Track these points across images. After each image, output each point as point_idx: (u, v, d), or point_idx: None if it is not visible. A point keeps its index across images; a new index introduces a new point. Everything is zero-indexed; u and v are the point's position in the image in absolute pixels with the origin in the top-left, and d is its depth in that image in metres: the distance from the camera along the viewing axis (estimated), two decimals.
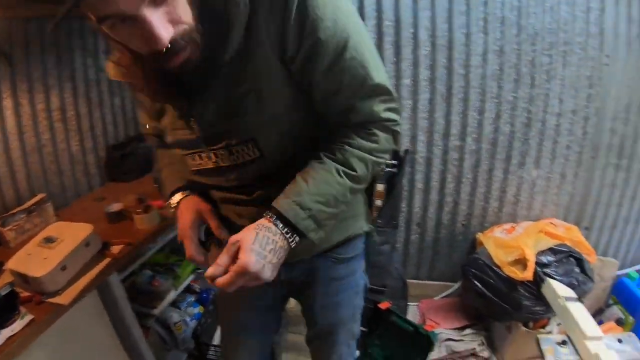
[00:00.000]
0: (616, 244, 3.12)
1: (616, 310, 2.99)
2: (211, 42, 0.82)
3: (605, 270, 3.00)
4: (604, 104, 2.75)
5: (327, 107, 0.97)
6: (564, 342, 1.25)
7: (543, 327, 2.61)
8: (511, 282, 2.51)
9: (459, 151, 2.62)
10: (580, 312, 1.24)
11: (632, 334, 1.35)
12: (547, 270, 2.52)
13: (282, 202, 0.92)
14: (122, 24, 0.72)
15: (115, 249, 2.04)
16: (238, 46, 0.84)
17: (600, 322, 2.97)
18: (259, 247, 0.86)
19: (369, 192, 2.47)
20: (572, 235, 2.70)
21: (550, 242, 2.60)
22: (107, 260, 1.96)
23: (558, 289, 1.26)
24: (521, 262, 2.52)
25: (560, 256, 2.57)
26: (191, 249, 1.11)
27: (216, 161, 1.03)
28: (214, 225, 1.13)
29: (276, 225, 0.90)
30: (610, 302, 3.05)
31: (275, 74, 0.89)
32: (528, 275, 2.45)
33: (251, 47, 0.85)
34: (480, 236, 2.67)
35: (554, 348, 1.20)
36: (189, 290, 2.84)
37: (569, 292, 1.21)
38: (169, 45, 0.74)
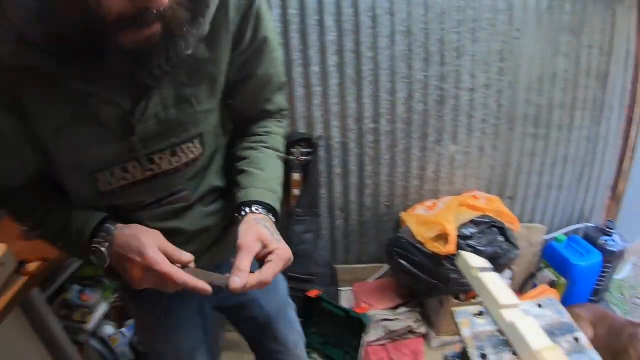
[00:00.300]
0: (542, 210, 3.19)
1: (548, 273, 3.08)
2: (186, 20, 0.72)
3: (533, 236, 3.07)
4: (516, 77, 2.80)
5: (253, 100, 1.05)
6: (480, 313, 1.25)
7: (474, 297, 2.66)
8: (436, 258, 2.55)
9: (374, 133, 2.62)
10: (494, 281, 1.24)
11: (553, 298, 1.37)
12: (471, 242, 2.57)
13: (257, 192, 0.95)
14: None
15: (32, 266, 2.00)
16: (208, 27, 0.78)
17: (534, 286, 3.07)
18: (277, 235, 0.91)
19: (286, 182, 2.51)
20: (494, 206, 2.75)
21: (472, 214, 2.64)
22: (23, 279, 1.91)
23: (471, 260, 1.27)
24: (443, 237, 2.55)
25: (482, 227, 2.61)
26: (189, 278, 0.80)
27: (151, 168, 0.89)
28: (171, 248, 0.86)
29: (263, 213, 0.93)
30: (542, 265, 3.13)
31: (225, 64, 0.91)
32: (451, 248, 2.49)
33: (218, 31, 0.83)
34: (403, 215, 2.68)
35: (470, 320, 1.21)
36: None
37: (482, 262, 1.22)
38: (154, 11, 0.61)
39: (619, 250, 3.12)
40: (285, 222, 2.56)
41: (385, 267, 3.00)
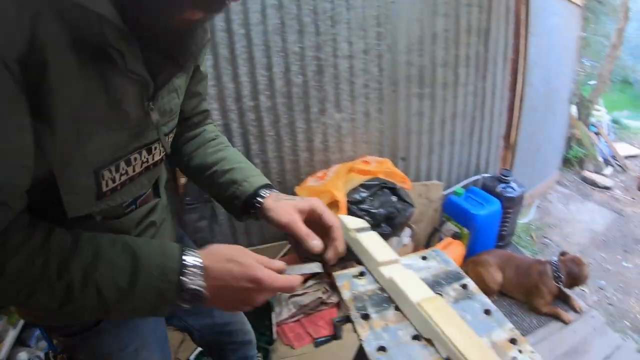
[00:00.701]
0: (437, 167, 3.25)
1: (451, 226, 3.15)
2: None
3: (432, 192, 3.13)
4: (395, 40, 2.82)
5: (197, 96, 1.09)
6: (361, 274, 1.22)
7: None
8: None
9: (255, 111, 2.57)
10: (372, 240, 1.21)
11: (438, 249, 1.35)
12: (363, 206, 2.58)
13: (257, 179, 0.99)
14: None
15: None
16: None
17: (440, 239, 3.12)
18: (298, 198, 0.97)
19: (172, 170, 2.43)
20: (384, 168, 2.77)
21: (361, 179, 2.65)
22: None
23: (348, 222, 1.24)
24: (335, 205, 2.54)
25: (373, 190, 2.62)
26: (297, 280, 0.82)
27: (147, 159, 0.86)
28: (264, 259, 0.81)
29: (275, 192, 0.98)
30: (444, 219, 3.19)
31: None
32: (343, 214, 2.49)
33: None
34: (297, 189, 2.66)
35: (350, 282, 1.17)
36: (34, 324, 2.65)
37: (360, 223, 1.21)
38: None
39: (518, 196, 3.22)
40: (177, 213, 2.48)
41: (287, 244, 2.97)
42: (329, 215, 0.91)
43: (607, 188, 5.10)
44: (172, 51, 0.71)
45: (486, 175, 3.44)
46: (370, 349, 0.99)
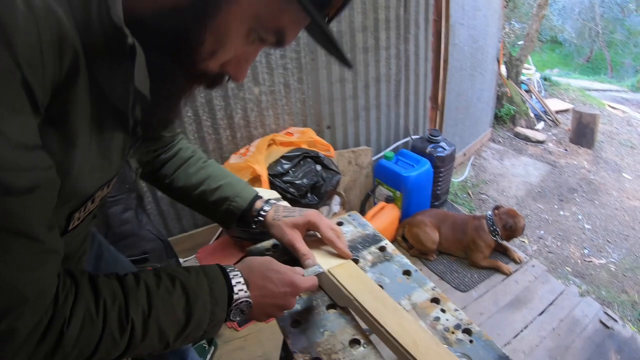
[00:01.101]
0: (365, 132, 3.21)
1: (383, 190, 3.12)
2: None
3: (362, 158, 3.09)
4: None
5: None
6: (275, 247, 1.15)
7: None
8: None
9: None
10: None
11: (355, 213, 1.27)
12: (287, 178, 2.50)
13: (249, 191, 1.05)
14: (260, 44, 0.62)
15: None
16: None
17: (374, 204, 3.10)
18: (294, 208, 1.06)
19: None
20: (306, 138, 2.70)
21: (283, 151, 2.57)
22: None
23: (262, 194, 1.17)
24: (257, 180, 2.46)
25: (296, 160, 2.55)
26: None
27: (105, 195, 0.81)
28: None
29: (271, 205, 1.05)
30: (376, 184, 3.17)
31: None
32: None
33: None
34: None
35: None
36: None
37: (270, 194, 1.16)
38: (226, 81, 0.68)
39: (448, 155, 3.22)
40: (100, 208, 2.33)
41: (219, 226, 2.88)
42: (325, 231, 1.01)
43: (540, 142, 5.22)
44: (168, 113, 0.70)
45: (415, 137, 3.42)
46: (283, 324, 0.95)
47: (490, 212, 2.93)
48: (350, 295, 0.93)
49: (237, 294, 0.73)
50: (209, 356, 2.16)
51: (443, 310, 1.01)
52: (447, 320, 0.99)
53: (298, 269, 0.88)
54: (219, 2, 0.53)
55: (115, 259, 1.20)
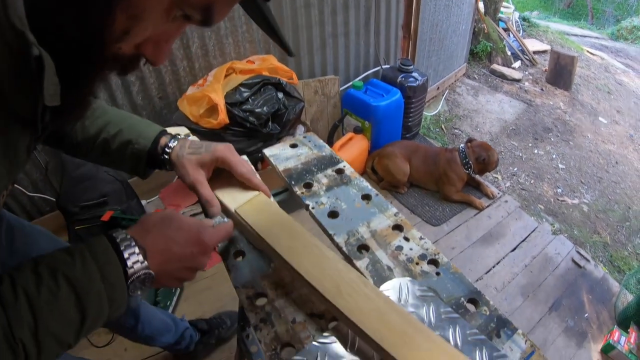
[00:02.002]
0: (332, 61, 3.01)
1: (352, 120, 2.97)
2: None
3: (329, 87, 2.91)
4: None
5: None
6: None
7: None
8: (214, 133, 2.29)
9: None
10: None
11: (311, 135, 1.10)
12: (246, 106, 2.31)
13: (155, 127, 0.92)
14: (184, 22, 0.52)
15: None
16: None
17: (343, 134, 2.96)
18: (203, 144, 0.89)
19: None
20: (267, 65, 2.50)
21: (242, 79, 2.37)
22: None
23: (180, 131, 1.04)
24: (215, 110, 2.27)
25: (255, 88, 2.35)
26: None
27: None
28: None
29: (177, 142, 0.90)
30: (344, 114, 3.00)
31: None
32: (223, 118, 2.23)
33: None
34: (178, 102, 2.38)
35: None
36: None
37: (181, 130, 1.06)
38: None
39: (420, 85, 3.06)
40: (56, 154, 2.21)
41: None
42: (236, 167, 0.86)
43: (516, 80, 5.10)
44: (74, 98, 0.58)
45: (386, 66, 3.24)
46: (226, 256, 0.85)
47: (462, 145, 2.82)
48: (259, 235, 0.78)
49: (131, 267, 0.60)
50: (175, 298, 2.06)
51: (406, 239, 0.89)
52: (411, 249, 0.87)
53: (208, 220, 0.78)
54: None
55: (29, 240, 1.07)
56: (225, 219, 0.83)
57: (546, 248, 2.64)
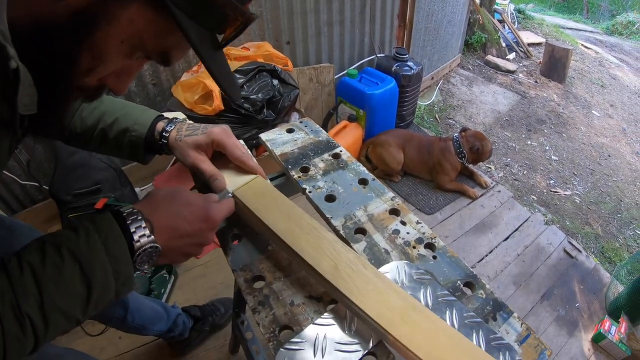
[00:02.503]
0: (327, 49, 2.98)
1: (346, 109, 2.96)
2: None
3: (324, 75, 2.89)
4: None
5: None
6: None
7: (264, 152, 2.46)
8: (208, 119, 2.27)
9: None
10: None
11: (307, 120, 1.09)
12: (242, 93, 2.30)
13: (151, 113, 0.92)
14: (145, 60, 0.59)
15: None
16: None
17: (337, 122, 2.96)
18: (199, 126, 0.90)
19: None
20: (262, 52, 2.47)
21: (236, 65, 2.35)
22: None
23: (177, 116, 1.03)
24: (210, 96, 2.26)
25: (251, 74, 2.33)
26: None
27: None
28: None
29: (173, 126, 0.90)
30: (338, 102, 2.99)
31: None
32: (218, 105, 2.21)
33: None
34: (173, 88, 2.35)
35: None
36: None
37: (177, 114, 1.06)
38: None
39: (415, 74, 3.05)
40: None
41: None
42: (231, 149, 0.86)
43: (510, 72, 5.10)
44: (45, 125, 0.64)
45: (381, 55, 3.23)
46: (222, 238, 0.85)
47: (457, 134, 2.82)
48: (258, 217, 0.77)
49: (137, 241, 0.60)
50: (169, 285, 2.05)
51: (403, 223, 0.89)
52: (408, 233, 0.87)
53: (212, 195, 0.77)
54: (95, 22, 0.49)
55: (10, 234, 1.05)
56: (230, 194, 0.81)
57: (538, 238, 2.65)
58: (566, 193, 3.33)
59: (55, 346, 1.00)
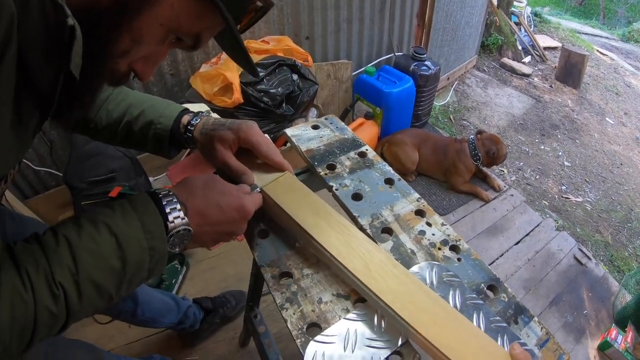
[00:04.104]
0: (346, 46, 2.98)
1: (363, 106, 2.97)
2: None
3: (342, 72, 2.89)
4: None
5: None
6: None
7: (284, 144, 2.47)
8: (227, 112, 2.27)
9: None
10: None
11: (332, 117, 1.09)
12: (261, 87, 2.30)
13: (176, 106, 0.92)
14: (174, 45, 0.61)
15: None
16: None
17: (353, 120, 3.00)
18: (225, 121, 0.88)
19: None
20: (282, 46, 2.48)
21: (257, 58, 2.36)
22: None
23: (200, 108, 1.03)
24: (229, 89, 2.26)
25: (271, 68, 2.34)
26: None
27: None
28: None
29: (199, 120, 0.90)
30: (355, 99, 3.00)
31: None
32: (237, 97, 2.22)
33: None
34: (191, 79, 2.36)
35: None
36: None
37: (201, 107, 1.07)
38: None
39: (432, 74, 3.05)
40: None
41: None
42: (258, 145, 0.84)
43: (525, 75, 5.07)
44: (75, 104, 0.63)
45: (399, 53, 3.22)
46: (249, 234, 0.84)
47: (472, 136, 2.81)
48: (286, 213, 0.77)
49: (172, 222, 0.61)
50: (180, 276, 2.06)
51: (429, 224, 0.89)
52: (434, 235, 0.87)
53: (244, 186, 0.77)
54: (139, 4, 0.50)
55: (20, 224, 1.06)
56: (258, 189, 0.81)
57: (549, 244, 2.65)
58: (577, 200, 3.32)
59: (63, 337, 1.01)
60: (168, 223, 0.61)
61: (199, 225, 0.65)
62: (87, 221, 0.56)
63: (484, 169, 2.93)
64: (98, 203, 2.04)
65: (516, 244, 2.59)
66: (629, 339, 2.16)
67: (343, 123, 1.21)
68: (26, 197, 2.27)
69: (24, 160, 2.16)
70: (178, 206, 0.62)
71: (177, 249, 0.64)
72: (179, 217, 0.62)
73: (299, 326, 0.68)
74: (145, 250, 0.58)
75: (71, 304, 0.52)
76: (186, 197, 0.65)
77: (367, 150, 1.09)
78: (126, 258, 0.56)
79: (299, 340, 0.66)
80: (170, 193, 0.64)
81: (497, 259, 2.46)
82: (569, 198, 3.30)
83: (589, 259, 2.62)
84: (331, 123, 1.20)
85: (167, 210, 0.62)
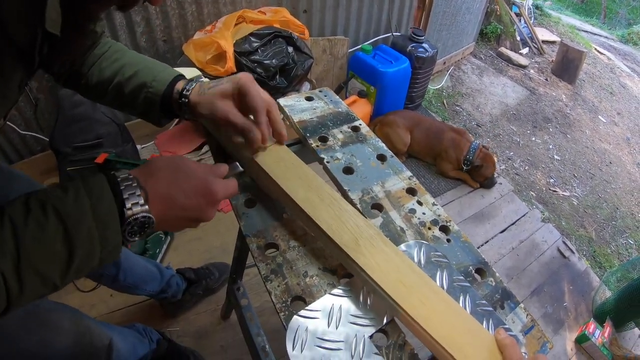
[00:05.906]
0: (344, 22, 2.93)
1: (357, 84, 2.93)
2: None
3: (337, 48, 2.85)
4: None
5: None
6: None
7: None
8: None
9: None
10: None
11: (327, 89, 1.05)
12: (255, 57, 2.25)
13: (172, 71, 0.87)
14: None
15: None
16: None
17: (346, 97, 2.96)
18: (221, 80, 0.82)
19: None
20: (279, 17, 2.42)
21: (252, 28, 2.30)
22: None
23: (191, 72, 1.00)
24: (223, 57, 2.21)
25: (266, 39, 2.29)
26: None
27: None
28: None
29: (193, 86, 0.83)
30: (350, 76, 2.96)
31: None
32: (230, 67, 2.17)
33: None
34: (184, 47, 2.30)
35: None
36: None
37: (194, 72, 1.01)
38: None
39: (429, 57, 3.01)
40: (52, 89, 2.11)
41: None
42: (253, 96, 0.76)
43: (522, 66, 5.05)
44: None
45: (397, 34, 3.17)
46: (236, 203, 0.82)
47: (476, 143, 2.78)
48: (277, 183, 0.74)
49: (129, 209, 0.56)
50: (164, 246, 2.03)
51: (420, 203, 0.88)
52: (424, 214, 0.86)
53: (221, 166, 0.70)
54: None
55: (6, 184, 1.00)
56: (240, 168, 0.77)
57: (534, 234, 2.66)
58: (565, 194, 3.34)
59: (46, 300, 0.97)
60: (125, 210, 0.56)
61: (161, 211, 0.59)
62: (36, 203, 0.51)
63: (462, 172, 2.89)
64: (62, 179, 2.00)
65: (501, 232, 2.60)
66: (606, 334, 2.18)
67: (337, 96, 1.18)
68: (11, 162, 2.21)
69: (10, 123, 2.09)
70: (138, 191, 0.57)
71: (136, 237, 0.58)
72: (137, 203, 0.56)
73: (283, 299, 0.67)
74: (96, 240, 0.53)
75: (11, 293, 0.48)
76: (147, 180, 0.59)
77: (360, 125, 1.07)
78: (74, 248, 0.51)
79: (282, 314, 0.64)
80: (131, 177, 0.58)
81: (481, 245, 2.47)
82: (556, 191, 3.31)
83: (572, 252, 2.64)
84: (325, 95, 1.17)
85: (125, 196, 0.56)
